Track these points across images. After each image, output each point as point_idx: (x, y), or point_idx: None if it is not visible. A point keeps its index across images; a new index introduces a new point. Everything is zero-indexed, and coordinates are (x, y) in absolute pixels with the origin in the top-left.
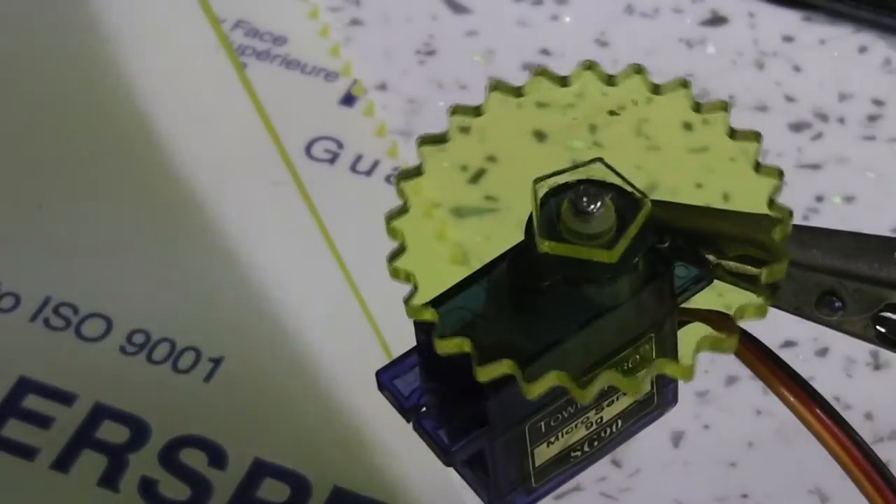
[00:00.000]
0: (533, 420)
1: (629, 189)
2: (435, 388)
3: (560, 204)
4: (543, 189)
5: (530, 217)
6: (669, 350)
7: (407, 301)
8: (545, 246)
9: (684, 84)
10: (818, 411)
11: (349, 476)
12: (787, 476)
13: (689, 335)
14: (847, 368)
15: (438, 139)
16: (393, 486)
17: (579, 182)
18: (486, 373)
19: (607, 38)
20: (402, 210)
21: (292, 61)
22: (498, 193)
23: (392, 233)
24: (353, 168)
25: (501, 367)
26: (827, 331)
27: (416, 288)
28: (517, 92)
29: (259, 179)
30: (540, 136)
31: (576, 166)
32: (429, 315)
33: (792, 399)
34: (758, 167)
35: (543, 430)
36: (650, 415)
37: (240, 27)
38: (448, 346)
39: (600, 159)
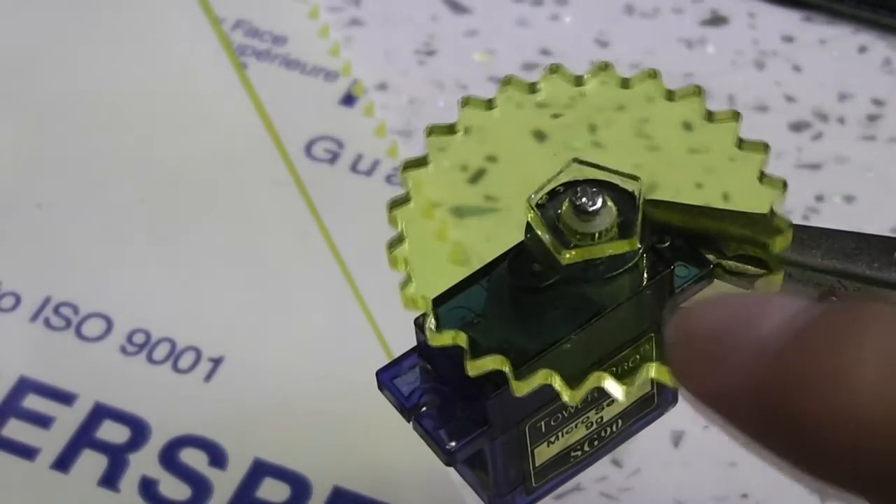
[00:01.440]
0: (533, 420)
1: (618, 181)
2: (435, 388)
3: (559, 210)
4: (539, 201)
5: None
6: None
7: (402, 289)
8: (567, 257)
9: (652, 75)
10: None
11: (349, 476)
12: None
13: None
14: None
15: (420, 162)
16: (393, 486)
17: (574, 184)
18: (477, 367)
19: (607, 38)
20: (400, 238)
21: (292, 61)
22: (498, 193)
23: (393, 222)
24: (353, 168)
25: (492, 363)
26: None
27: (410, 278)
28: (488, 105)
29: (259, 179)
30: (540, 136)
31: (557, 173)
32: (422, 305)
33: None
34: (741, 144)
35: (543, 429)
36: (650, 415)
37: (240, 27)
38: (441, 340)
39: (576, 159)
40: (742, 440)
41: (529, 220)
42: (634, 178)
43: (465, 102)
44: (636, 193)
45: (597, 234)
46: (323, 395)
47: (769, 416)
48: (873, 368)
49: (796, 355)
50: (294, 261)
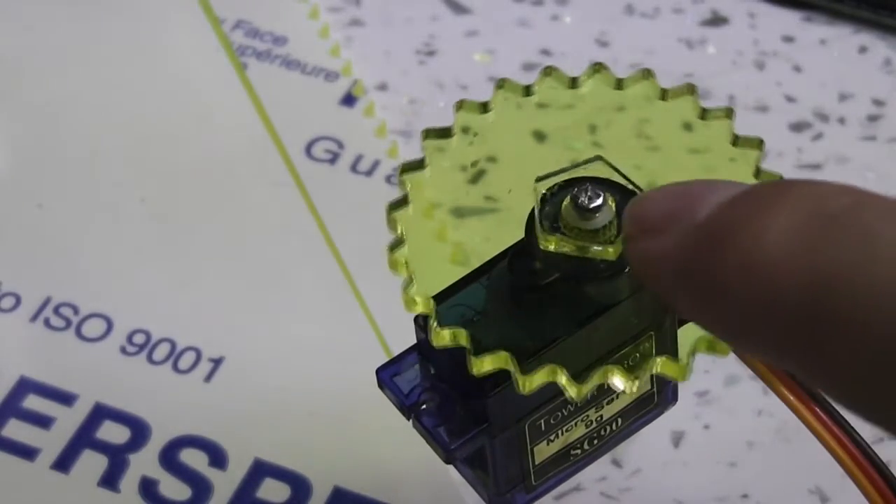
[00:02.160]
0: (533, 418)
1: (630, 187)
2: (435, 386)
3: (561, 202)
4: (544, 188)
5: (531, 215)
6: (670, 348)
7: (404, 291)
8: (548, 243)
9: (645, 75)
10: (818, 411)
11: (349, 476)
12: (787, 476)
13: (686, 336)
14: None
15: (417, 165)
16: (393, 486)
17: (581, 180)
18: (480, 365)
19: (607, 38)
20: (399, 241)
21: (292, 61)
22: (498, 193)
23: (391, 225)
24: (354, 168)
25: (496, 361)
26: None
27: (411, 280)
28: (484, 107)
29: (259, 179)
30: (540, 136)
31: (575, 165)
32: (424, 307)
33: (792, 399)
34: (736, 141)
35: (543, 427)
36: (650, 413)
37: (240, 27)
38: (443, 340)
39: (600, 157)
40: (666, 298)
41: (552, 244)
42: (597, 157)
43: (461, 106)
44: (610, 176)
45: (599, 230)
46: (323, 395)
47: (689, 275)
48: (783, 231)
49: (717, 220)
50: (294, 261)
